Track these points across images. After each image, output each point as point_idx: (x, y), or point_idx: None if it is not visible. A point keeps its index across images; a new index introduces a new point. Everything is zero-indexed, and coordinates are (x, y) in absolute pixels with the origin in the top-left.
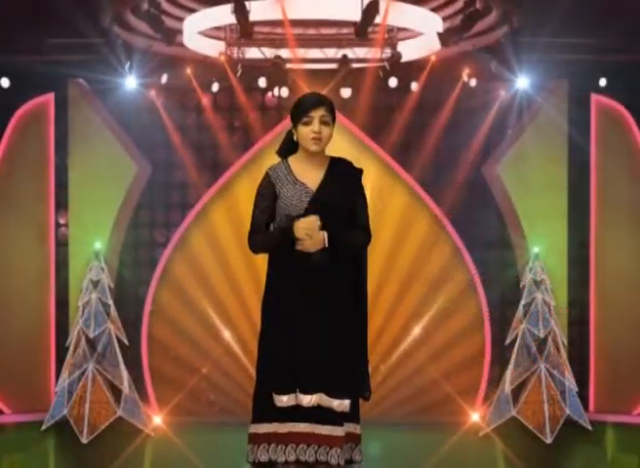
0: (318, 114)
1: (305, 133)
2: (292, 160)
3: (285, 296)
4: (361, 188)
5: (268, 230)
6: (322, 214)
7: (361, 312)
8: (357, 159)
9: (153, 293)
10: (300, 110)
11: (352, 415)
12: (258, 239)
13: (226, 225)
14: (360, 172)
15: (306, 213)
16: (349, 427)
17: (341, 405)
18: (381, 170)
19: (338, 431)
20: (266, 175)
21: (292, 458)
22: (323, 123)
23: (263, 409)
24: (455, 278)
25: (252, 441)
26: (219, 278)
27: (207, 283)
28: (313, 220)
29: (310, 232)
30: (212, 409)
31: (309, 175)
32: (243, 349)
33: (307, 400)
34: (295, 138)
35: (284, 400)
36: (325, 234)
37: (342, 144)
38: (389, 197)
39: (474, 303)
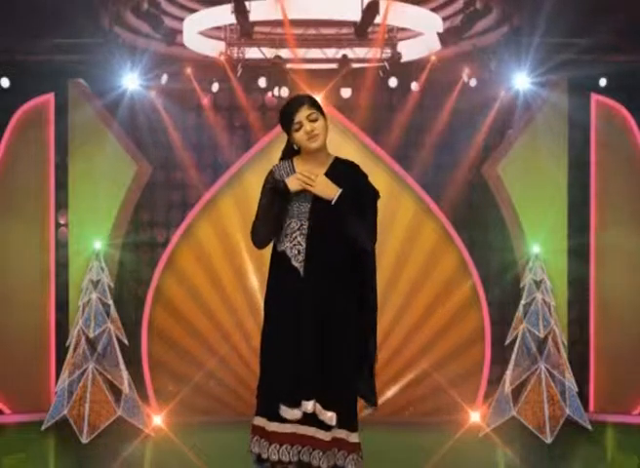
0: (304, 115)
1: (300, 136)
2: (296, 159)
3: (284, 302)
4: (364, 190)
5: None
6: (322, 213)
7: (368, 321)
8: (357, 159)
9: (153, 293)
10: (286, 119)
11: (345, 422)
12: (255, 223)
13: (224, 226)
14: (363, 175)
15: (310, 211)
16: (340, 433)
17: (325, 415)
18: (381, 169)
19: (322, 434)
20: (270, 171)
21: (274, 458)
22: (312, 120)
23: (261, 403)
24: (456, 278)
25: (251, 431)
26: (222, 276)
27: (208, 282)
28: (304, 172)
29: (306, 180)
30: (211, 409)
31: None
32: (246, 347)
33: (310, 406)
34: (294, 146)
35: (296, 413)
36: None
37: (342, 144)
38: (389, 196)
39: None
